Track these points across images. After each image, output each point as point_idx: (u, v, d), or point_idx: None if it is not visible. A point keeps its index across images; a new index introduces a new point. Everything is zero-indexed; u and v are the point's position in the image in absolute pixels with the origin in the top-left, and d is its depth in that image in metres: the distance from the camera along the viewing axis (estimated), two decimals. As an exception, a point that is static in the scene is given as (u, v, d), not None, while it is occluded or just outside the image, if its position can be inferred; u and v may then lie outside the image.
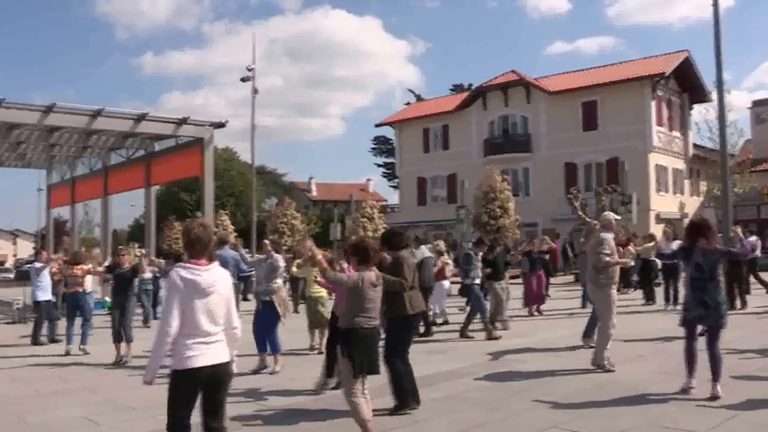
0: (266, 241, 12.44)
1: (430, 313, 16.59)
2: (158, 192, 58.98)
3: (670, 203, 45.03)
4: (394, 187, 70.94)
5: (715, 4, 18.83)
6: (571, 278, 31.68)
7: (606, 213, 11.56)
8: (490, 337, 14.10)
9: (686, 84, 47.74)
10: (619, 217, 12.01)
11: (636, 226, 33.16)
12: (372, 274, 7.05)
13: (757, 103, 50.29)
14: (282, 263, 11.60)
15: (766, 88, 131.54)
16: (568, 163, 46.34)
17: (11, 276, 46.91)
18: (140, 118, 24.01)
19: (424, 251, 15.93)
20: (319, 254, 7.48)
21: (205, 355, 4.92)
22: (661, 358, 11.02)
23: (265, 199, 70.49)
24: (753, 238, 20.90)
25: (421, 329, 13.99)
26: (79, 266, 14.73)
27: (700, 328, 8.59)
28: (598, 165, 45.40)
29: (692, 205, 47.06)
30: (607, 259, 10.44)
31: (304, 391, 9.24)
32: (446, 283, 17.17)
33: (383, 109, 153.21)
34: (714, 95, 29.37)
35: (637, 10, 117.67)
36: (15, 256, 68.61)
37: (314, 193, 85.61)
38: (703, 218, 9.21)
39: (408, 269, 8.21)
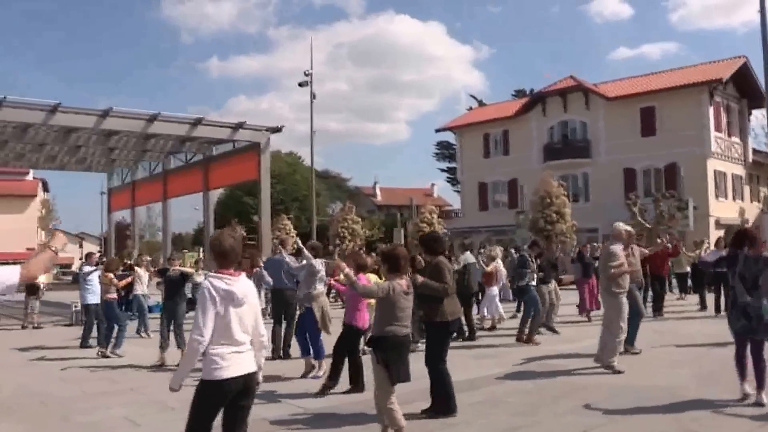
0: (280, 239, 12.39)
1: (477, 317, 16.72)
2: (221, 195, 60.06)
3: (730, 209, 44.35)
4: (458, 191, 70.99)
5: (762, 11, 18.61)
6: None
7: (616, 224, 11.67)
8: (528, 340, 14.14)
9: (745, 89, 47.07)
10: (629, 228, 11.89)
11: (694, 231, 32.82)
12: (403, 281, 7.08)
13: (817, 109, 49.30)
14: (321, 268, 11.63)
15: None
16: (627, 169, 46.01)
17: (70, 279, 47.73)
18: (196, 122, 24.44)
19: (468, 257, 15.98)
20: (346, 268, 7.56)
21: (238, 365, 4.92)
22: (701, 364, 10.98)
23: (330, 203, 70.94)
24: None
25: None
26: (108, 274, 15.02)
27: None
28: (656, 171, 45.08)
29: (752, 211, 46.30)
30: (612, 271, 10.69)
31: (342, 395, 9.34)
32: (495, 289, 17.23)
33: (449, 113, 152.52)
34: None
35: (701, 14, 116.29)
36: (81, 259, 69.89)
37: (379, 197, 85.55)
38: (747, 227, 9.19)
39: (449, 274, 8.25)
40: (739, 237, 8.65)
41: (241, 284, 5.06)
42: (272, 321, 12.95)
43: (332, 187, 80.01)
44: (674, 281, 23.93)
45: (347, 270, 7.38)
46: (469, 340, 14.81)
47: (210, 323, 4.87)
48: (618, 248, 10.93)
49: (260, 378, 5.25)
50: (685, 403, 8.35)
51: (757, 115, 44.82)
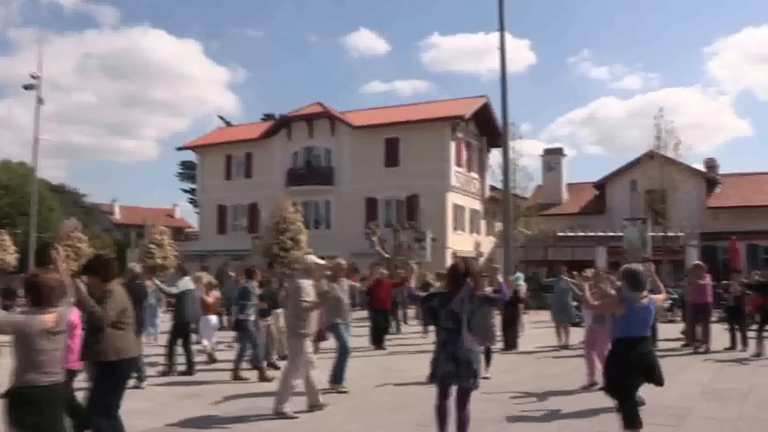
0: None
1: (202, 347, 15.44)
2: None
3: (467, 242, 45.30)
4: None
5: (502, 58, 18.81)
6: (364, 313, 30.93)
7: (305, 256, 10.97)
8: (263, 378, 12.96)
9: (485, 128, 48.84)
10: (321, 261, 11.14)
11: (431, 263, 32.93)
12: (50, 317, 5.44)
13: (547, 152, 52.27)
14: None
15: (560, 140, 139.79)
16: (369, 198, 46.15)
17: None
18: None
19: (187, 283, 14.52)
20: None
21: None
22: (423, 408, 10.03)
23: (64, 220, 66.66)
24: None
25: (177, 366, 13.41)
26: None
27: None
28: (398, 201, 45.46)
29: (487, 244, 47.66)
30: (307, 305, 9.88)
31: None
32: (213, 318, 15.94)
33: (200, 134, 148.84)
34: (511, 141, 29.95)
35: (451, 58, 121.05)
36: None
37: (117, 216, 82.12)
38: (465, 261, 8.27)
39: (115, 303, 6.71)
40: (457, 273, 7.65)
41: None
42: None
43: (68, 202, 75.40)
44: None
45: None
46: (186, 374, 13.58)
47: None
48: (306, 282, 10.11)
49: None
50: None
51: (495, 154, 46.49)
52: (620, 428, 7.56)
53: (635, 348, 7.41)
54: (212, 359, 15.54)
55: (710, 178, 46.20)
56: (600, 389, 9.00)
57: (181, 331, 14.14)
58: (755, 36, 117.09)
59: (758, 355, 16.33)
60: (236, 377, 13.08)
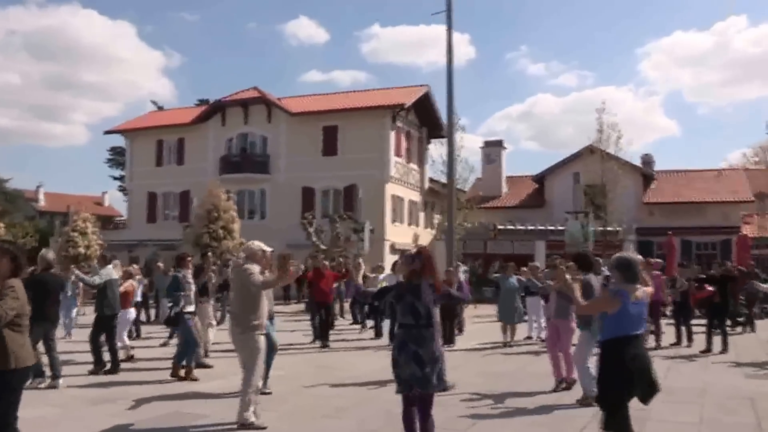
0: None
1: (120, 345, 14.34)
2: None
3: (405, 234, 44.75)
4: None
5: (449, 47, 18.07)
6: (302, 306, 30.21)
7: (251, 242, 9.61)
8: (175, 375, 12.04)
9: (425, 119, 48.32)
10: (268, 249, 9.82)
11: (369, 255, 32.16)
12: None
13: (487, 144, 51.69)
14: None
15: (496, 135, 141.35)
16: (306, 188, 45.12)
17: None
18: None
19: (111, 272, 13.38)
20: None
21: None
22: (365, 413, 9.19)
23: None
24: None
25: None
26: None
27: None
28: (336, 191, 44.60)
29: (426, 237, 47.14)
30: (261, 280, 8.65)
31: None
32: (132, 312, 14.86)
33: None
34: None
35: (390, 49, 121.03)
36: None
37: (42, 203, 79.33)
38: (425, 250, 7.36)
39: (15, 302, 5.59)
40: (417, 263, 6.82)
41: None
42: None
43: (-14, 188, 72.66)
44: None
45: None
46: (110, 372, 12.57)
47: None
48: (255, 267, 8.90)
49: None
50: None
51: (436, 145, 46.05)
52: None
53: (626, 348, 6.50)
54: (131, 357, 14.42)
55: (647, 174, 46.25)
56: (593, 401, 8.17)
57: (105, 324, 13.06)
58: (684, 40, 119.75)
59: (720, 351, 16.08)
60: (176, 376, 12.07)
